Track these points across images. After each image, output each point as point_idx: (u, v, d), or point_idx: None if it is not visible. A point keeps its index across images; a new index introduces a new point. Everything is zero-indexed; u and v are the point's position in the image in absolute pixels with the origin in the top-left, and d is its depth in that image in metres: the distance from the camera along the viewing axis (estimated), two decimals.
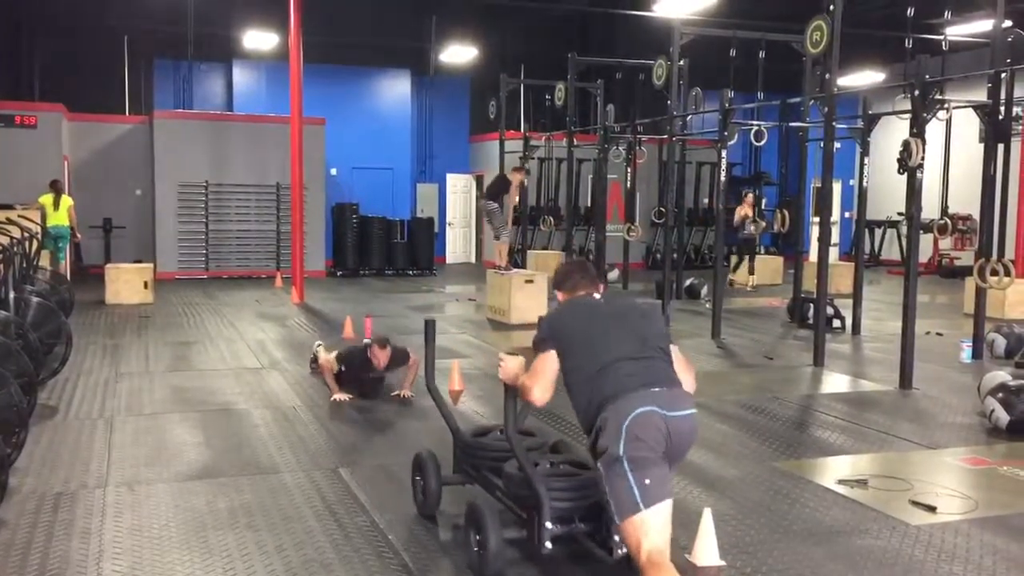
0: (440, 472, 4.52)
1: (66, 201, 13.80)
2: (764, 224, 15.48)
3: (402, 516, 4.59)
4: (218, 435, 6.12)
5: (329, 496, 4.89)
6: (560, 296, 3.82)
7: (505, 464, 4.07)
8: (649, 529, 3.17)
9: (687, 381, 3.55)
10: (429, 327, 4.58)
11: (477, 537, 3.85)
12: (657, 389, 3.32)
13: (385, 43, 19.84)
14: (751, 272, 15.90)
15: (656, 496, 3.18)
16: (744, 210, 15.56)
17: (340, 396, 7.00)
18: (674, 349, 3.58)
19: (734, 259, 16.27)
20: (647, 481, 3.17)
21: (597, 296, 3.74)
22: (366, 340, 7.23)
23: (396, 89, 20.87)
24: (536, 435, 4.55)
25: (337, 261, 18.08)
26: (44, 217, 13.23)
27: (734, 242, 16.17)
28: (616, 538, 3.64)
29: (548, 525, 3.71)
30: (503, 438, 4.19)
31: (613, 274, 16.26)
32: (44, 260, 11.78)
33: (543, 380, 3.49)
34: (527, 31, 21.06)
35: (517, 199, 13.02)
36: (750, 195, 15.81)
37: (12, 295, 6.98)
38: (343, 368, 7.11)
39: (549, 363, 3.48)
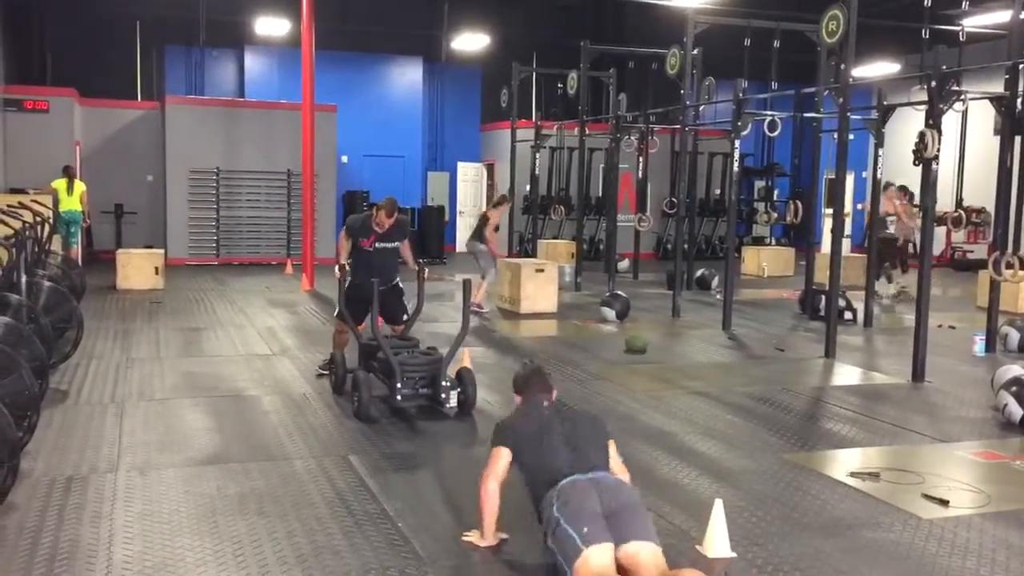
0: (346, 364, 6.84)
1: (79, 186, 13.84)
2: (776, 216, 15.28)
3: (413, 504, 4.59)
4: (228, 421, 6.13)
5: (339, 483, 4.89)
6: (517, 399, 4.37)
7: (379, 353, 6.41)
8: (593, 564, 3.48)
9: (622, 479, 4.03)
10: (374, 285, 6.57)
11: (356, 395, 6.19)
12: (581, 473, 3.83)
13: (397, 30, 19.82)
14: (889, 280, 13.49)
15: (595, 538, 3.52)
16: (888, 205, 13.03)
17: (340, 268, 7.04)
18: (612, 451, 4.11)
19: (884, 268, 13.33)
20: (585, 529, 3.54)
21: (546, 404, 4.21)
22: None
23: (408, 76, 20.84)
24: (411, 340, 6.77)
25: None
26: (56, 202, 13.27)
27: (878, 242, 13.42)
28: (444, 396, 6.13)
29: (399, 386, 6.10)
30: (389, 343, 6.43)
31: (624, 264, 16.23)
32: (56, 245, 11.81)
33: (492, 474, 4.02)
34: (539, 19, 21.01)
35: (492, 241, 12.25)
36: (891, 188, 13.19)
37: (24, 279, 6.99)
38: (351, 246, 7.20)
39: (500, 458, 4.03)
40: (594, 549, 3.50)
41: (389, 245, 7.20)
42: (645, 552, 3.54)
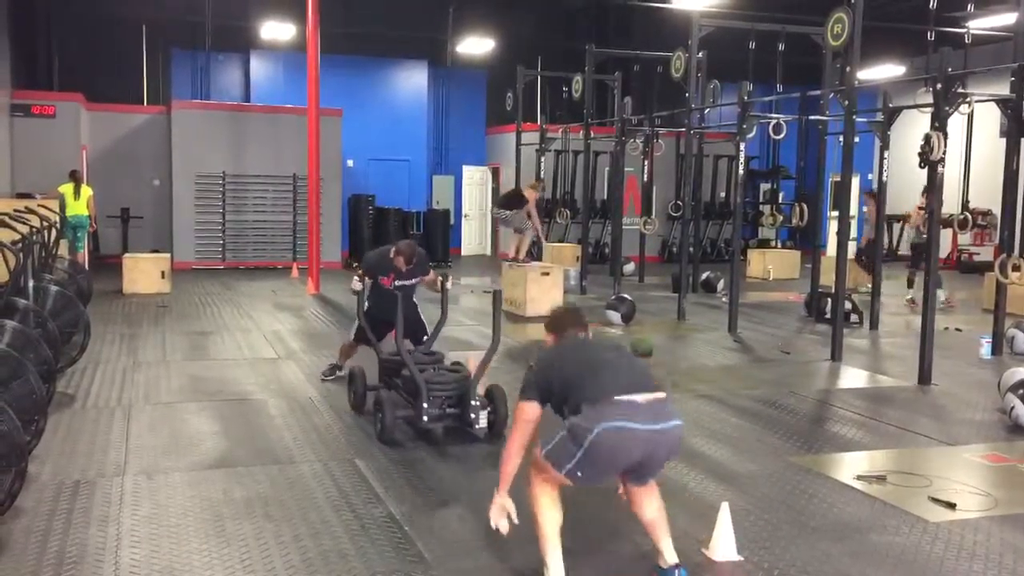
0: (366, 381, 6.46)
1: (86, 191, 13.87)
2: (782, 218, 15.21)
3: (419, 507, 4.60)
4: (235, 425, 6.15)
5: (345, 486, 4.90)
6: (550, 339, 4.05)
7: (402, 370, 6.00)
8: (557, 482, 3.59)
9: None
10: (398, 299, 6.19)
11: (379, 415, 5.71)
12: (640, 399, 3.50)
13: (402, 34, 19.84)
14: (910, 285, 12.91)
15: (581, 481, 3.52)
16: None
17: (359, 277, 6.84)
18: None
19: (909, 273, 12.96)
20: (579, 473, 3.48)
21: (583, 335, 4.00)
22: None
23: (413, 80, 20.85)
24: (435, 355, 6.30)
25: (353, 252, 18.10)
26: (63, 206, 13.30)
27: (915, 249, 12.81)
28: (473, 416, 5.59)
29: (425, 406, 5.62)
30: (413, 359, 5.98)
31: (629, 267, 16.22)
32: (63, 249, 11.84)
33: (520, 435, 3.72)
34: (544, 23, 21.01)
35: (535, 218, 12.98)
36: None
37: (31, 284, 7.01)
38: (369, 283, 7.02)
39: (529, 413, 3.70)
40: (567, 479, 3.54)
41: (409, 283, 6.98)
42: (643, 489, 3.78)
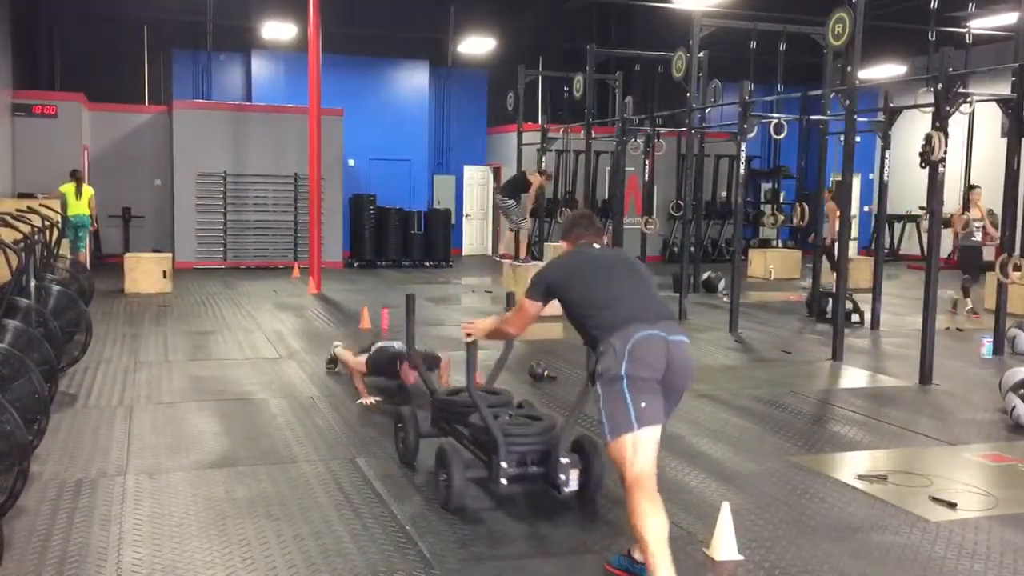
0: (419, 426, 5.23)
1: (87, 191, 13.90)
2: (783, 218, 15.20)
3: (420, 506, 4.60)
4: (236, 424, 6.15)
5: (347, 486, 4.90)
6: (565, 245, 4.09)
7: (470, 416, 4.73)
8: (640, 448, 3.45)
9: None
10: (410, 301, 5.32)
11: (444, 476, 4.51)
12: (655, 317, 3.62)
13: (403, 34, 19.86)
14: (966, 294, 11.97)
15: (649, 419, 3.46)
16: (974, 210, 11.38)
17: (368, 400, 6.72)
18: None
19: (963, 281, 12.05)
20: (642, 404, 3.45)
21: (597, 246, 4.00)
22: (396, 345, 6.86)
23: (414, 80, 20.86)
24: (501, 394, 5.22)
25: (354, 252, 18.11)
26: (65, 206, 13.32)
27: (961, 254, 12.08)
28: (563, 477, 4.34)
29: (504, 465, 4.35)
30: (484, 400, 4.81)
31: None
32: (64, 249, 11.85)
33: (521, 320, 4.06)
34: (546, 22, 21.02)
35: (534, 202, 13.32)
36: (978, 190, 11.29)
37: (33, 283, 7.01)
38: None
39: (531, 309, 3.95)
40: (644, 432, 3.44)
41: None
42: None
